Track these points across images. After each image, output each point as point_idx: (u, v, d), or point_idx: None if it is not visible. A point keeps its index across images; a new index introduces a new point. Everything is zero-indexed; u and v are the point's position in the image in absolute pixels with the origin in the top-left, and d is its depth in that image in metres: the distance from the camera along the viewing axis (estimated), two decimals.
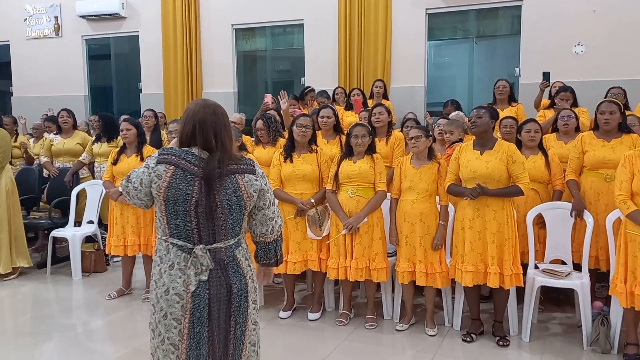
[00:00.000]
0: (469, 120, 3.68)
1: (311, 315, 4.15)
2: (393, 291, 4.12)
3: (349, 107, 6.41)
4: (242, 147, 4.25)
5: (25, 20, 10.16)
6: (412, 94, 7.53)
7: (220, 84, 8.95)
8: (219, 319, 2.11)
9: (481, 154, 3.59)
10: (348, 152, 3.98)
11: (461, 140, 4.48)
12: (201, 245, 2.08)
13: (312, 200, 4.02)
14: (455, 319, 3.91)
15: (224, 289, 2.11)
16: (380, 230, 3.93)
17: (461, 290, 3.80)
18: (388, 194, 3.99)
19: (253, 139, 4.88)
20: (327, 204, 4.07)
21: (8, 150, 5.16)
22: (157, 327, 2.11)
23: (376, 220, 3.90)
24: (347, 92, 6.82)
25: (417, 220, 3.76)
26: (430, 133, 3.96)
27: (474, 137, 3.73)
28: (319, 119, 4.57)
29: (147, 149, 4.56)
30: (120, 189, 2.26)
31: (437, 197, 3.83)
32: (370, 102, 6.44)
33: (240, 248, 2.19)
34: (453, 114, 5.12)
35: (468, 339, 3.69)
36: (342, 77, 7.95)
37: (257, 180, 2.19)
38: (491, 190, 3.49)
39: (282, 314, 4.19)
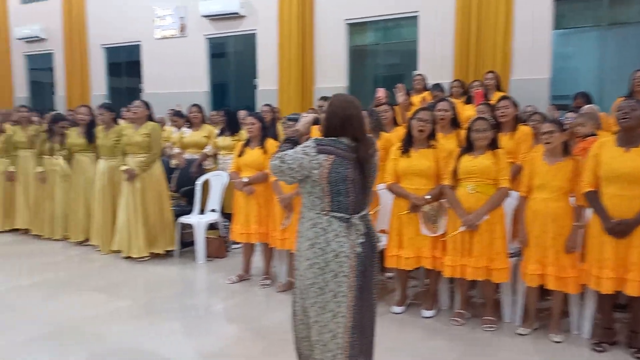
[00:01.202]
0: (619, 112, 3.35)
1: (425, 313, 4.08)
2: (514, 293, 3.93)
3: (468, 100, 6.20)
4: None
5: (154, 21, 10.94)
6: (534, 86, 7.14)
7: (331, 78, 9.07)
8: (368, 270, 2.61)
9: (626, 151, 3.28)
10: (468, 147, 3.85)
11: (593, 134, 4.16)
12: (356, 215, 2.54)
13: (428, 196, 3.94)
14: (584, 326, 3.65)
15: (370, 247, 2.62)
16: (502, 228, 3.75)
17: (592, 295, 3.54)
18: (512, 192, 3.81)
19: None
20: (442, 201, 3.96)
21: (161, 143, 5.64)
22: (328, 285, 2.55)
23: (497, 218, 3.74)
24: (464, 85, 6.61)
25: (549, 221, 3.54)
26: (565, 127, 3.70)
27: (614, 133, 3.43)
28: (436, 112, 4.46)
29: (270, 142, 4.71)
30: (270, 168, 2.65)
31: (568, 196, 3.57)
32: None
33: (369, 214, 2.70)
34: (586, 107, 4.76)
35: (599, 349, 3.43)
36: (457, 70, 7.74)
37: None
38: (632, 221, 3.20)
39: (395, 309, 4.15)
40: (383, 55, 9.38)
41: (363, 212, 2.61)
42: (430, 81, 7.01)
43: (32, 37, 12.67)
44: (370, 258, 2.63)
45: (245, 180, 4.68)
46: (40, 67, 13.36)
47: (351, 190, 2.53)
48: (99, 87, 12.02)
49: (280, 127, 6.28)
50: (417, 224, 3.97)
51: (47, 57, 12.85)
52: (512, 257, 3.84)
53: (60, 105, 12.21)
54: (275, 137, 5.36)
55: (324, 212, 2.55)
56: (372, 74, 9.59)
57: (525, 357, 3.46)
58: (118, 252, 5.55)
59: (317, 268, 2.56)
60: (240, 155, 4.80)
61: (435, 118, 4.17)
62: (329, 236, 2.53)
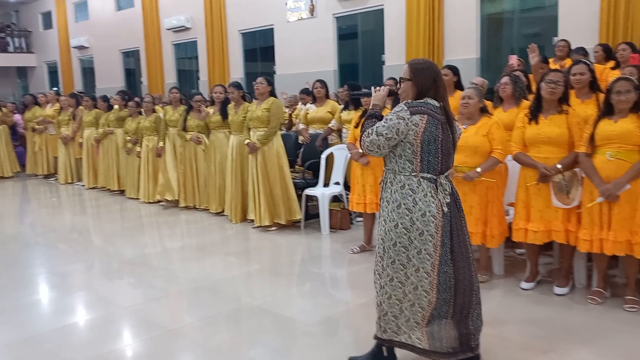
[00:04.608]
0: None
1: (558, 290, 3.82)
2: None
3: (617, 65, 5.61)
4: (483, 110, 4.05)
5: (286, 4, 11.31)
6: None
7: (462, 50, 8.72)
8: (456, 229, 2.63)
9: None
10: (607, 110, 3.50)
11: None
12: (442, 175, 2.60)
13: (559, 166, 3.66)
14: None
15: (456, 206, 2.67)
16: None
17: None
18: None
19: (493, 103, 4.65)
20: (575, 170, 3.65)
21: (281, 118, 5.89)
22: (413, 243, 2.59)
23: None
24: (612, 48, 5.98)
25: None
26: None
27: None
28: (571, 76, 4.12)
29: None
30: (364, 146, 2.68)
31: None
32: None
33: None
34: None
35: None
36: (604, 33, 7.02)
37: None
38: None
39: (524, 285, 3.94)
40: (520, 23, 8.79)
41: (446, 172, 2.65)
42: (573, 46, 6.44)
43: (178, 27, 13.75)
44: (458, 217, 2.65)
45: (360, 151, 4.71)
46: (186, 56, 14.49)
47: (440, 150, 2.58)
48: (236, 72, 12.74)
49: None
50: (547, 195, 3.71)
51: (192, 45, 13.89)
52: None
53: (204, 90, 13.17)
54: None
55: (414, 174, 2.59)
56: (508, 44, 9.04)
57: None
58: (249, 221, 5.90)
59: (402, 228, 2.60)
60: (356, 126, 4.85)
61: (568, 80, 3.83)
62: (418, 196, 2.57)
